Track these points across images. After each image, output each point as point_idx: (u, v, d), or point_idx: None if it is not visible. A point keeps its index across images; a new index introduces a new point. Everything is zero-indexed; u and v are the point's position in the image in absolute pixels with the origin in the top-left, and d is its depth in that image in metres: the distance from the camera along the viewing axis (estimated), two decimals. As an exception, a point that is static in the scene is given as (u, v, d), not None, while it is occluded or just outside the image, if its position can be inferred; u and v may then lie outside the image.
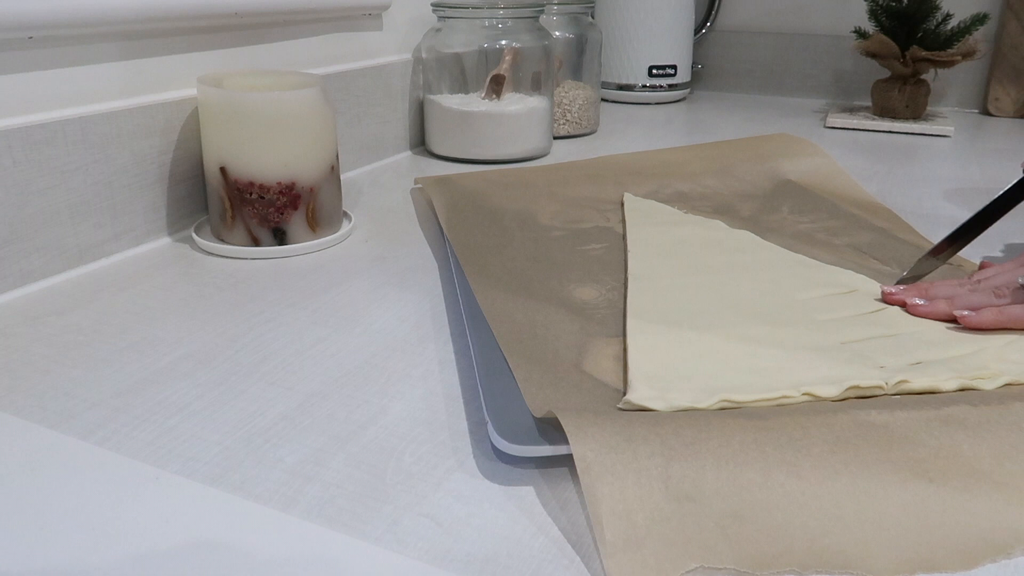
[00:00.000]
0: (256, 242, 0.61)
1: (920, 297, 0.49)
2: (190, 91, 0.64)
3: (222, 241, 0.62)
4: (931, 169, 0.90)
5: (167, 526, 0.31)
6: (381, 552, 0.30)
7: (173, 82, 0.64)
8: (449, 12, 0.89)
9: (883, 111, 1.14)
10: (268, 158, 0.59)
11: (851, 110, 1.20)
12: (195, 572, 0.29)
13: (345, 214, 0.68)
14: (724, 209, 0.70)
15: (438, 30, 0.90)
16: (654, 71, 1.27)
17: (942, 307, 0.48)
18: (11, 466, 0.35)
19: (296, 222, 0.61)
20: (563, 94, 1.02)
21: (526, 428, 0.36)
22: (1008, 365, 0.41)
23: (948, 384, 0.39)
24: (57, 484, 0.34)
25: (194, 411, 0.39)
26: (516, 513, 0.32)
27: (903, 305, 0.50)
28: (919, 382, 0.39)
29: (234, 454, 0.36)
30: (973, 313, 0.46)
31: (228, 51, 0.69)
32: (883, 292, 0.51)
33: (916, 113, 1.13)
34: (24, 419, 0.39)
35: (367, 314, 0.51)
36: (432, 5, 0.90)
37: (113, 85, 0.59)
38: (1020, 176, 0.54)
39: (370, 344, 0.47)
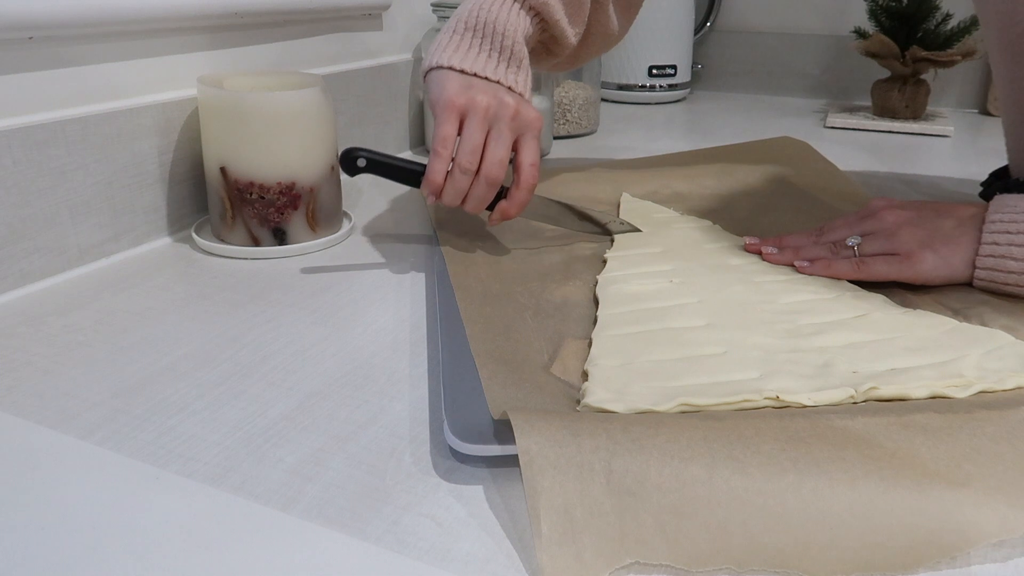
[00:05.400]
0: (256, 242, 0.61)
1: (774, 246, 0.56)
2: (190, 91, 0.64)
3: (222, 241, 0.62)
4: (931, 169, 0.90)
5: (167, 526, 0.31)
6: (381, 552, 0.30)
7: (173, 82, 0.64)
8: (449, 12, 0.89)
9: (883, 111, 1.14)
10: (268, 158, 0.59)
11: (851, 110, 1.20)
12: (195, 572, 0.29)
13: (345, 214, 0.68)
14: (722, 209, 0.69)
15: (438, 30, 0.90)
16: (654, 71, 1.27)
17: (789, 256, 0.55)
18: (11, 466, 0.35)
19: (296, 222, 0.61)
20: (563, 94, 1.02)
21: (485, 427, 0.35)
22: (984, 373, 0.40)
23: (918, 392, 0.38)
24: (57, 484, 0.34)
25: (194, 411, 0.39)
26: (517, 513, 0.32)
27: (759, 253, 0.56)
28: (888, 389, 0.38)
29: (234, 454, 0.36)
30: (808, 263, 0.53)
31: (228, 51, 0.69)
32: (745, 243, 0.57)
33: (916, 113, 1.13)
34: (24, 419, 0.39)
35: (367, 314, 0.51)
36: (432, 5, 0.90)
37: (113, 85, 0.59)
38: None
39: (370, 344, 0.47)
